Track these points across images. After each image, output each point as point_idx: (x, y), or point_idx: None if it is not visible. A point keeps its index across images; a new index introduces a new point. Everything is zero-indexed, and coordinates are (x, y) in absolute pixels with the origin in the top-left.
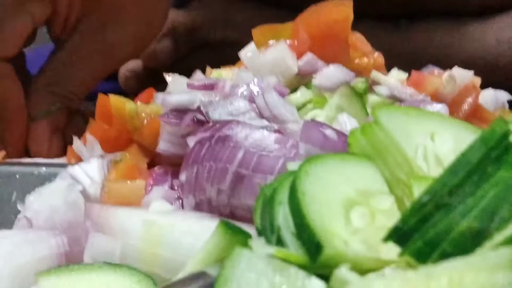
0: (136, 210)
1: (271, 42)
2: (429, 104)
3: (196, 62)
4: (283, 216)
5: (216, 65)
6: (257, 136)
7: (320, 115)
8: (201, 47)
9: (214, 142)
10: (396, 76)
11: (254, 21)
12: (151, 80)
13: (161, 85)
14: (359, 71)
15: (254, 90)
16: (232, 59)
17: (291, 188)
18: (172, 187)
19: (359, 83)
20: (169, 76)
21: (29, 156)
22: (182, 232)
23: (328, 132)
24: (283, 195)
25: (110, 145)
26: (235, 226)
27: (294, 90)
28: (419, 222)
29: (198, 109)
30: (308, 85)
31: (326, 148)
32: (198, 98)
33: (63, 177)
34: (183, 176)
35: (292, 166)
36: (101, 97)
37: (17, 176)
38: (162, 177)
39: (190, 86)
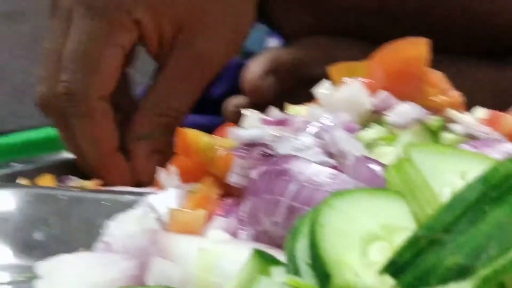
0: (195, 238)
1: (346, 79)
2: (503, 144)
3: (299, 98)
4: (302, 247)
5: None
6: (311, 171)
7: (389, 152)
8: (304, 83)
9: (271, 175)
10: (475, 115)
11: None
12: None
13: None
14: (436, 109)
15: (322, 126)
16: None
17: (312, 220)
18: (239, 218)
19: (433, 121)
20: (247, 111)
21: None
22: (233, 260)
23: (378, 169)
24: (306, 227)
25: (188, 176)
26: (269, 255)
27: (367, 127)
28: (412, 256)
29: (266, 144)
30: (381, 122)
31: (374, 184)
32: (268, 133)
33: (142, 205)
34: (243, 208)
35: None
36: (180, 131)
37: (104, 202)
38: (231, 207)
39: (263, 121)
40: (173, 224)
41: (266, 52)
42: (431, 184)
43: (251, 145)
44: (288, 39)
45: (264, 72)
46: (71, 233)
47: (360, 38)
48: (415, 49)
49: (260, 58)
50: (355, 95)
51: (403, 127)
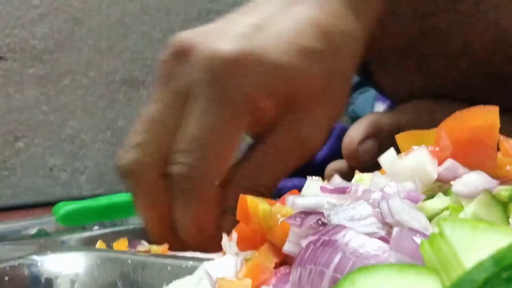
0: None
1: (413, 147)
2: None
3: None
4: None
5: None
6: (358, 242)
7: None
8: None
9: (318, 245)
10: None
11: None
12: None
13: None
14: (508, 179)
15: (382, 195)
16: None
17: None
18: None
19: (503, 191)
20: (310, 178)
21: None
22: None
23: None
24: None
25: (246, 244)
26: None
27: (432, 197)
28: None
29: (322, 212)
30: (447, 192)
31: (417, 258)
32: (325, 201)
33: (200, 271)
34: (290, 278)
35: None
36: (241, 197)
37: (168, 268)
38: (285, 277)
39: (322, 189)
40: None
41: (367, 117)
42: (464, 261)
43: (306, 213)
44: (393, 102)
45: (363, 136)
46: None
47: (465, 100)
48: (484, 117)
49: (360, 123)
50: (421, 163)
51: (469, 197)
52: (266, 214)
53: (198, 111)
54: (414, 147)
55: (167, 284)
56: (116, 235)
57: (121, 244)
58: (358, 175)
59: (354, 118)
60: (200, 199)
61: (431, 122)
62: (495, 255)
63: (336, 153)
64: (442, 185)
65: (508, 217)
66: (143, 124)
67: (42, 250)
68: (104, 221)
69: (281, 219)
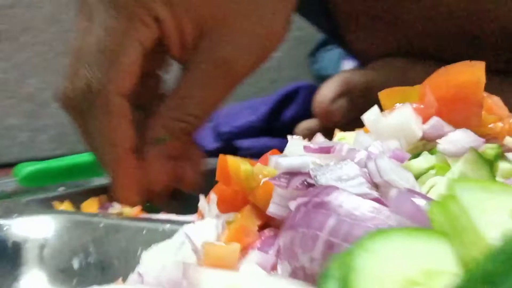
0: (228, 273)
1: (397, 105)
2: None
3: None
4: None
5: None
6: (352, 204)
7: (440, 182)
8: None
9: (309, 207)
10: None
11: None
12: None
13: None
14: (493, 137)
15: (368, 154)
16: None
17: (344, 263)
18: (277, 252)
19: (489, 149)
20: (291, 137)
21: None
22: None
23: (424, 203)
24: (338, 270)
25: (227, 206)
26: None
27: (417, 155)
28: None
29: (308, 173)
30: (432, 150)
31: (417, 221)
32: (311, 161)
33: (180, 235)
34: (280, 242)
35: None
36: (221, 157)
37: (144, 232)
38: (270, 240)
39: (306, 149)
40: (206, 258)
41: (338, 75)
42: (478, 224)
43: (292, 174)
44: (362, 61)
45: (335, 95)
46: (108, 261)
47: (437, 59)
48: (470, 72)
49: (332, 81)
50: (405, 121)
51: (455, 155)
52: (248, 174)
53: (95, 25)
54: (397, 104)
55: (144, 249)
56: (81, 196)
57: (91, 205)
58: (340, 134)
59: (319, 77)
60: (105, 110)
61: (404, 80)
62: None
63: (304, 113)
64: (426, 143)
65: (495, 176)
66: (69, 55)
67: (7, 213)
68: (67, 182)
69: (264, 179)
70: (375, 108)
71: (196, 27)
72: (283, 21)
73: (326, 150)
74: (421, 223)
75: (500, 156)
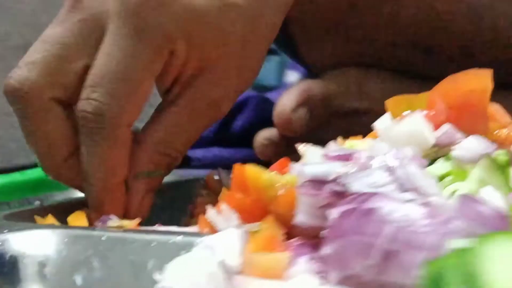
0: (281, 283)
1: (406, 112)
2: None
3: (329, 132)
4: None
5: (348, 134)
6: (403, 211)
7: (462, 188)
8: (334, 116)
9: (358, 215)
10: None
11: (386, 91)
12: (287, 148)
13: (297, 154)
14: (499, 143)
15: (392, 161)
16: (364, 129)
17: (468, 271)
18: (311, 261)
19: (501, 155)
20: (303, 146)
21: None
22: None
23: (484, 209)
24: (454, 277)
25: (245, 216)
26: None
27: (430, 162)
28: None
29: (335, 180)
30: (446, 157)
31: (483, 226)
32: (335, 169)
33: (201, 247)
34: (327, 250)
35: (458, 244)
36: (237, 166)
37: (153, 244)
38: (301, 249)
39: (326, 156)
40: (252, 268)
41: (298, 85)
42: None
43: (318, 182)
44: (312, 71)
45: (296, 104)
46: (115, 277)
47: (390, 69)
48: (477, 80)
49: (291, 91)
50: (418, 128)
51: (470, 162)
52: (269, 184)
53: (110, 45)
54: (406, 112)
55: (155, 262)
56: (59, 210)
57: (78, 219)
58: (349, 142)
59: (260, 87)
60: (110, 138)
61: (362, 90)
62: None
63: (255, 122)
64: (438, 150)
65: (508, 180)
66: (42, 44)
67: None
68: (28, 196)
69: (282, 188)
70: (387, 115)
71: (198, 65)
72: (262, 59)
73: (345, 158)
74: (488, 229)
75: (510, 162)
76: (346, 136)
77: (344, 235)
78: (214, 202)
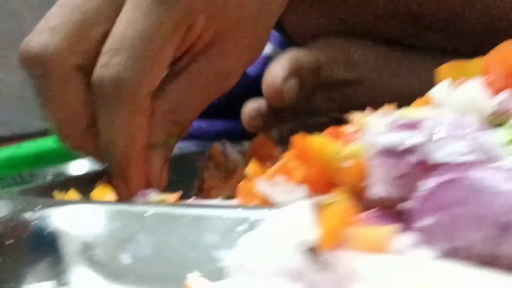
0: (395, 257)
1: (461, 79)
2: None
3: (315, 102)
4: None
5: (336, 104)
6: (503, 178)
7: None
8: (323, 86)
9: (463, 185)
10: None
11: (373, 61)
12: (275, 119)
13: (286, 124)
14: None
15: (461, 129)
16: (350, 99)
17: None
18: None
19: None
20: (354, 115)
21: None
22: None
23: None
24: None
25: (310, 188)
26: None
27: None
28: None
29: (412, 150)
30: (508, 123)
31: None
32: (409, 138)
33: (270, 221)
34: (427, 221)
35: None
36: (298, 137)
37: (205, 220)
38: (381, 221)
39: (392, 125)
40: (354, 243)
41: (286, 54)
42: None
43: (394, 151)
44: (292, 39)
45: (286, 74)
46: (167, 253)
47: (373, 39)
48: None
49: (280, 60)
50: (476, 96)
51: None
52: (336, 154)
53: (132, 10)
54: (462, 79)
55: (213, 237)
56: (75, 184)
57: (103, 193)
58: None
59: None
60: (131, 105)
61: (349, 59)
62: None
63: (238, 94)
64: (496, 117)
65: None
66: (61, 9)
67: (27, 206)
68: (37, 168)
69: (349, 160)
70: (445, 82)
71: (211, 37)
72: (269, 34)
73: (412, 126)
74: None
75: None
76: (334, 106)
77: (448, 206)
78: (223, 176)
